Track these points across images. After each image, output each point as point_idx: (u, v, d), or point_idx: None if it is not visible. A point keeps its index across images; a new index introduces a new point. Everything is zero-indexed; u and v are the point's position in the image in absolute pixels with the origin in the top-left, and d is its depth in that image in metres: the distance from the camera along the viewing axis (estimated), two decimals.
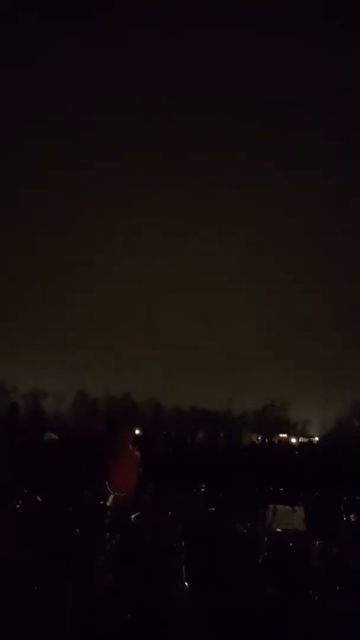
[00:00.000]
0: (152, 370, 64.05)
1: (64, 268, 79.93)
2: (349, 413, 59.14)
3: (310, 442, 42.51)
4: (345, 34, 75.15)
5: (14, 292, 72.36)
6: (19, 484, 7.33)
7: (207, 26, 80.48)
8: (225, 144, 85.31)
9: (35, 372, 56.45)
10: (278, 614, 5.39)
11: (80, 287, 74.02)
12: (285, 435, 51.01)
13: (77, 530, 6.16)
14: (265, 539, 6.73)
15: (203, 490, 9.19)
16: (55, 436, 13.19)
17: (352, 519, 7.80)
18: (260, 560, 6.31)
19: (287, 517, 7.37)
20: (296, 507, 7.60)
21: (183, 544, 6.02)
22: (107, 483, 6.51)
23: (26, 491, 7.18)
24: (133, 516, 6.57)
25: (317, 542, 6.80)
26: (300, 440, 45.99)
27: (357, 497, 8.39)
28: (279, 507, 7.41)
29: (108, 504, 6.45)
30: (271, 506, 7.36)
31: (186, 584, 5.70)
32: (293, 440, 45.60)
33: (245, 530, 7.05)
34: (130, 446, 7.10)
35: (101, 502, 6.44)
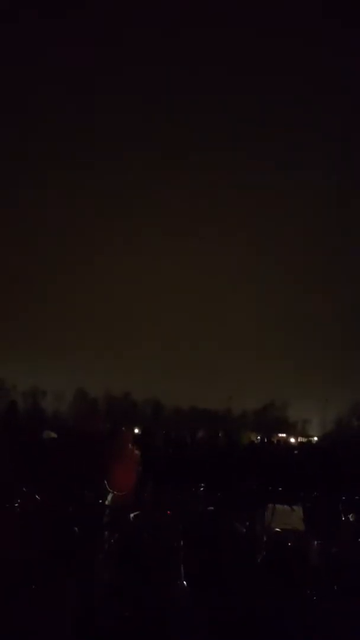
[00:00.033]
0: (152, 369, 64.28)
1: (64, 268, 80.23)
2: (349, 413, 59.39)
3: (310, 441, 42.45)
4: (345, 34, 75.57)
5: (14, 292, 72.56)
6: (18, 483, 7.32)
7: (207, 26, 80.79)
8: (225, 144, 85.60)
9: (35, 371, 56.60)
10: (277, 614, 5.40)
11: (80, 287, 74.39)
12: (284, 435, 50.99)
13: (77, 529, 6.17)
14: (264, 539, 6.74)
15: (202, 489, 9.17)
16: (54, 435, 13.17)
17: (351, 519, 7.81)
18: (259, 560, 6.33)
19: (286, 517, 7.37)
20: (295, 507, 7.59)
21: (182, 543, 6.03)
22: (106, 482, 6.52)
23: (25, 490, 7.17)
24: (132, 515, 6.57)
25: (316, 542, 6.82)
26: (299, 440, 45.94)
27: (356, 497, 8.39)
28: (278, 506, 7.41)
29: (107, 502, 6.46)
30: (270, 506, 7.36)
31: (184, 583, 5.71)
32: (292, 440, 45.55)
33: (245, 530, 7.06)
34: (130, 445, 7.11)
35: (100, 501, 6.45)
